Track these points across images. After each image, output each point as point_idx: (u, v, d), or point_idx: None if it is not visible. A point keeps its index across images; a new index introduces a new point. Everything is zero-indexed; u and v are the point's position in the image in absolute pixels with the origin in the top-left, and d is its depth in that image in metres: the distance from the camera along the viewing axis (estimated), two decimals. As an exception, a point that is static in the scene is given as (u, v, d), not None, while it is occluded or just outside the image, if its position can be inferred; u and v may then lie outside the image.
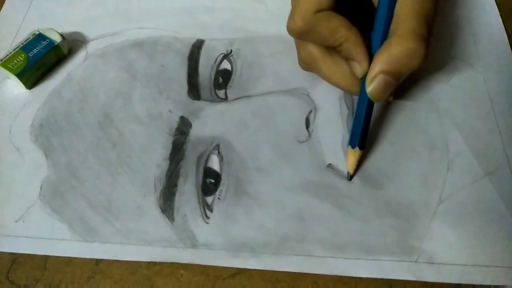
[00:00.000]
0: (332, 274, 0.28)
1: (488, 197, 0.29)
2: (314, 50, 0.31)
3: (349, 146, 0.31)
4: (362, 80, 0.29)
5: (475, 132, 0.32)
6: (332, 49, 0.30)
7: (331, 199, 0.30)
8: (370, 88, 0.28)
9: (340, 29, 0.28)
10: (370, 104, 0.30)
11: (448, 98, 0.33)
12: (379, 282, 0.27)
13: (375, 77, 0.28)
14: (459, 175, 0.30)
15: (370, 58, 0.28)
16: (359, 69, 0.29)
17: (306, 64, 0.33)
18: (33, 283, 0.29)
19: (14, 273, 0.29)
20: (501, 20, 0.37)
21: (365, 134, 0.30)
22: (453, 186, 0.30)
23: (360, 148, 0.30)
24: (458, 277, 0.27)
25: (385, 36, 0.28)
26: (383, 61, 0.27)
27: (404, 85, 0.33)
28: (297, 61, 0.34)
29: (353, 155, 0.30)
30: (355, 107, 0.33)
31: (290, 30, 0.30)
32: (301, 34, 0.30)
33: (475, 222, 0.29)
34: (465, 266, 0.27)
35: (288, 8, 0.31)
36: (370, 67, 0.28)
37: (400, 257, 0.28)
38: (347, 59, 0.30)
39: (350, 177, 0.31)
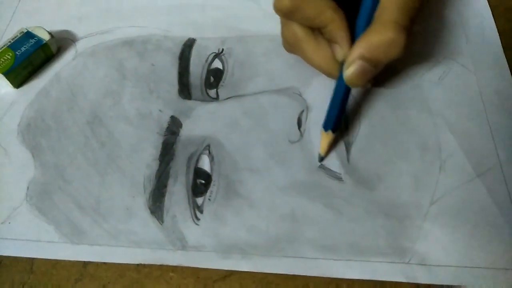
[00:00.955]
0: (324, 276, 0.27)
1: (480, 198, 0.29)
2: (298, 30, 0.31)
3: (323, 128, 0.31)
4: (342, 64, 0.29)
5: (467, 133, 0.32)
6: (317, 31, 0.31)
7: (323, 199, 0.30)
8: (347, 72, 0.28)
9: (326, 11, 0.29)
10: (348, 89, 0.30)
11: (440, 99, 0.33)
12: (371, 284, 0.27)
13: (353, 61, 0.28)
14: (451, 176, 0.30)
15: (353, 43, 0.28)
16: (340, 52, 0.30)
17: (290, 45, 0.33)
18: (19, 286, 0.28)
19: (0, 276, 0.28)
20: (493, 20, 0.37)
21: (339, 118, 0.30)
22: (445, 187, 0.30)
23: (333, 132, 0.30)
24: (451, 278, 0.27)
25: (368, 23, 0.28)
26: (362, 47, 0.28)
27: (392, 80, 0.34)
28: (289, 60, 0.33)
29: (326, 138, 0.30)
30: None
31: (277, 9, 0.30)
32: (287, 13, 0.30)
33: (467, 223, 0.29)
34: (457, 267, 0.27)
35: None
36: (350, 51, 0.28)
37: (392, 259, 0.28)
38: (330, 41, 0.30)
39: (321, 159, 0.31)
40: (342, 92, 0.30)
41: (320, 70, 0.32)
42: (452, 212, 0.29)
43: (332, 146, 0.31)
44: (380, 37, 0.27)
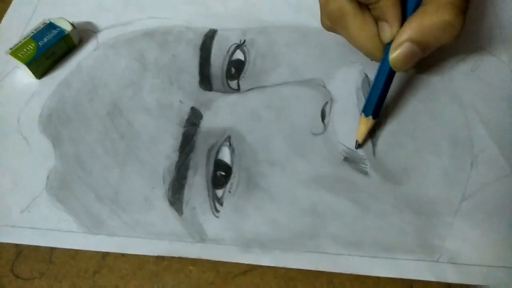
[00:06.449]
0: (348, 272, 0.26)
1: (515, 194, 0.28)
2: (346, 5, 0.29)
3: (362, 114, 0.29)
4: (388, 46, 0.28)
5: (501, 126, 0.30)
6: (364, 7, 0.29)
7: (347, 193, 0.29)
8: (393, 54, 0.27)
9: None
10: (391, 73, 0.29)
11: (472, 90, 0.32)
12: (399, 282, 0.26)
13: (401, 44, 0.26)
14: (483, 171, 0.29)
15: (402, 23, 0.27)
16: (388, 32, 0.28)
17: (332, 21, 0.31)
18: (37, 277, 0.28)
19: (19, 266, 0.28)
20: (528, 10, 0.35)
21: (380, 103, 0.29)
22: (477, 183, 0.28)
23: (374, 118, 0.29)
24: (483, 278, 0.26)
25: (419, 3, 0.27)
26: (413, 28, 0.26)
27: (422, 70, 0.32)
28: (312, 51, 0.32)
29: (365, 123, 0.29)
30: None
31: None
32: None
33: (501, 221, 0.27)
34: (490, 267, 0.26)
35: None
36: (399, 33, 0.27)
37: (420, 256, 0.26)
38: (379, 19, 0.28)
39: (358, 146, 0.30)
40: (385, 75, 0.28)
41: (362, 49, 0.30)
42: (485, 209, 0.27)
43: (370, 133, 0.30)
44: (434, 19, 0.25)
